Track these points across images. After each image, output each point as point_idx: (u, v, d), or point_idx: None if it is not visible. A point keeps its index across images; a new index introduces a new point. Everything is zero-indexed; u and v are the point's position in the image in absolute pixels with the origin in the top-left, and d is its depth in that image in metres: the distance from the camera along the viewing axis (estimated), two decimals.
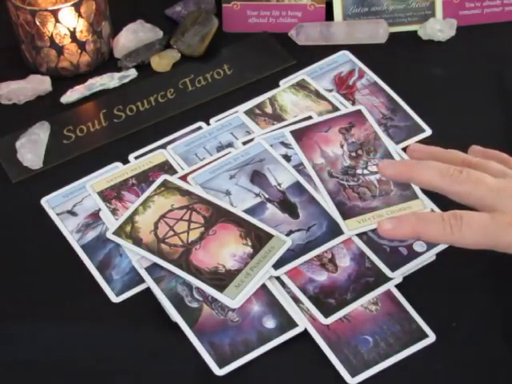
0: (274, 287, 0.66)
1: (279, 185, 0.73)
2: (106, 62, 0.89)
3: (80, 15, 0.84)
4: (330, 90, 0.83)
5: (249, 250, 0.68)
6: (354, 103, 0.82)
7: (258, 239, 0.69)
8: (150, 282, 0.67)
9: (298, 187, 0.73)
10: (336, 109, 0.80)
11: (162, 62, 0.88)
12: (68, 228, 0.73)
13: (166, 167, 0.77)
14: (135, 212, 0.72)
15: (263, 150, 0.76)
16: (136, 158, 0.79)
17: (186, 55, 0.89)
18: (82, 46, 0.86)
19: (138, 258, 0.69)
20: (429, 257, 0.68)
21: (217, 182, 0.74)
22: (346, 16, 0.90)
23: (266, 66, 0.87)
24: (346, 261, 0.68)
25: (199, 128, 0.81)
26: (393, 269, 0.67)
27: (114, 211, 0.73)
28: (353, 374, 0.61)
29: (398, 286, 0.66)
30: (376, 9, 0.90)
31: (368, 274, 0.67)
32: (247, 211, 0.71)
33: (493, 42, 0.89)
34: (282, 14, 0.91)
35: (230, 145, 0.78)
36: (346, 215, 0.70)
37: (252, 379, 0.62)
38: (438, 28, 0.88)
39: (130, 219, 0.71)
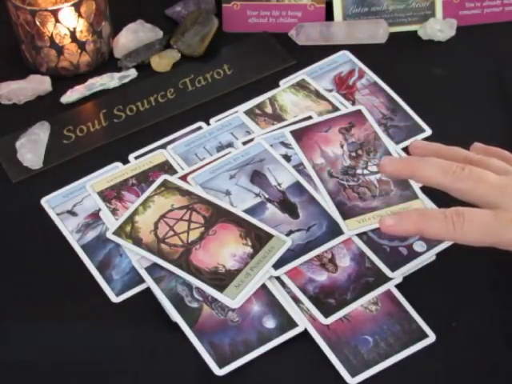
0: (274, 287, 0.66)
1: (279, 185, 0.73)
2: (106, 62, 0.89)
3: (80, 15, 0.84)
4: (330, 90, 0.83)
5: (249, 250, 0.68)
6: (354, 103, 0.82)
7: (258, 239, 0.69)
8: (150, 282, 0.67)
9: (298, 187, 0.73)
10: (336, 109, 0.80)
11: (161, 62, 0.88)
12: (68, 228, 0.73)
13: (166, 167, 0.77)
14: (135, 212, 0.72)
15: (263, 149, 0.76)
16: (136, 157, 0.79)
17: (186, 55, 0.89)
18: (82, 46, 0.86)
19: (137, 258, 0.69)
20: (429, 257, 0.68)
21: (217, 182, 0.74)
22: (346, 16, 0.90)
23: (266, 66, 0.87)
24: (345, 261, 0.68)
25: (199, 128, 0.81)
26: (393, 269, 0.67)
27: (114, 211, 0.73)
28: (353, 374, 0.61)
29: (398, 286, 0.66)
30: (376, 9, 0.90)
31: (368, 274, 0.67)
32: (247, 211, 0.71)
33: (493, 41, 0.89)
34: (282, 14, 0.91)
35: (230, 145, 0.78)
36: (346, 215, 0.70)
37: (252, 379, 0.62)
38: (438, 28, 0.88)
39: (130, 219, 0.71)
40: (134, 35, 0.89)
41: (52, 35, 0.84)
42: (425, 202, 0.71)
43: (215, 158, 0.76)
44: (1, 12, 0.88)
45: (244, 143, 0.77)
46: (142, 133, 0.82)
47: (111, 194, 0.75)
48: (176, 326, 0.65)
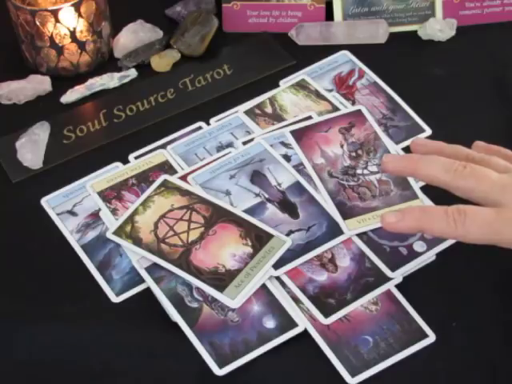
0: (274, 287, 0.66)
1: (279, 185, 0.73)
2: (106, 62, 0.89)
3: (80, 15, 0.84)
4: (330, 90, 0.83)
5: (249, 249, 0.68)
6: (354, 103, 0.82)
7: (258, 239, 0.69)
8: (150, 282, 0.67)
9: (297, 187, 0.73)
10: (336, 109, 0.80)
11: (161, 62, 0.88)
12: (68, 228, 0.73)
13: (166, 167, 0.77)
14: (135, 212, 0.72)
15: (263, 150, 0.76)
16: (136, 157, 0.79)
17: (186, 55, 0.89)
18: (82, 46, 0.86)
19: (138, 258, 0.69)
20: (429, 257, 0.68)
21: (217, 182, 0.74)
22: (346, 16, 0.90)
23: (265, 66, 0.87)
24: (345, 261, 0.68)
25: (199, 128, 0.81)
26: (393, 269, 0.67)
27: (114, 211, 0.73)
28: (353, 374, 0.61)
29: (398, 286, 0.66)
30: (376, 9, 0.90)
31: (368, 274, 0.67)
32: (247, 211, 0.71)
33: (493, 41, 0.89)
34: (282, 14, 0.91)
35: (230, 145, 0.78)
36: (345, 215, 0.70)
37: (252, 379, 0.62)
38: (438, 28, 0.88)
39: (130, 219, 0.71)
40: (134, 35, 0.89)
41: (52, 35, 0.84)
42: (424, 201, 0.71)
43: (215, 158, 0.76)
44: (1, 12, 0.88)
45: (244, 143, 0.77)
46: (142, 133, 0.82)
47: (111, 194, 0.75)
48: (176, 325, 0.65)
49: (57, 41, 0.85)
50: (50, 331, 0.66)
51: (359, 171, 0.74)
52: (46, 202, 0.75)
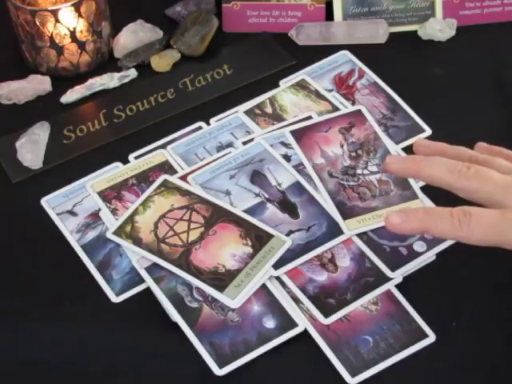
0: (274, 287, 0.66)
1: (279, 185, 0.73)
2: (106, 62, 0.89)
3: (80, 15, 0.84)
4: (330, 90, 0.83)
5: (249, 249, 0.68)
6: (354, 103, 0.82)
7: (258, 239, 0.69)
8: (150, 282, 0.67)
9: (298, 187, 0.73)
10: (336, 109, 0.80)
11: (161, 62, 0.88)
12: (68, 228, 0.73)
13: (166, 167, 0.77)
14: (135, 212, 0.72)
15: (263, 150, 0.76)
16: (136, 157, 0.79)
17: (186, 55, 0.89)
18: (82, 46, 0.86)
19: (138, 258, 0.69)
20: (429, 257, 0.68)
21: (217, 182, 0.74)
22: (346, 16, 0.90)
23: (266, 66, 0.87)
24: (345, 261, 0.68)
25: (199, 128, 0.81)
26: (393, 269, 0.67)
27: (114, 211, 0.73)
28: (353, 374, 0.61)
29: (398, 286, 0.66)
30: (376, 9, 0.90)
31: (368, 274, 0.67)
32: (247, 211, 0.71)
33: (493, 41, 0.89)
34: (282, 14, 0.91)
35: (230, 145, 0.78)
36: (346, 215, 0.70)
37: (252, 379, 0.62)
38: (438, 28, 0.88)
39: (130, 219, 0.71)
40: (134, 35, 0.89)
41: (52, 35, 0.84)
42: (424, 201, 0.71)
43: (215, 158, 0.76)
44: (1, 12, 0.88)
45: (244, 143, 0.77)
46: (142, 133, 0.82)
47: (111, 194, 0.75)
48: (176, 325, 0.65)
49: (57, 41, 0.85)
50: (50, 331, 0.66)
51: (359, 171, 0.74)
52: (46, 201, 0.75)
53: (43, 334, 0.66)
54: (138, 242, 0.69)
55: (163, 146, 0.79)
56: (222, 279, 0.66)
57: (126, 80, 0.87)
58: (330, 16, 0.90)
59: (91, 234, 0.72)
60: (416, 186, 0.72)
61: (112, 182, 0.76)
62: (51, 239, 0.73)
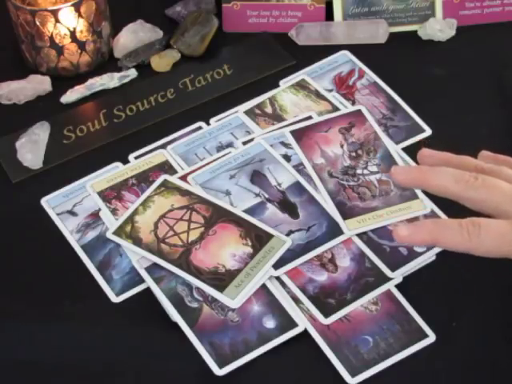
0: (274, 287, 0.66)
1: (279, 185, 0.73)
2: (106, 62, 0.89)
3: (80, 15, 0.84)
4: (330, 90, 0.83)
5: (249, 249, 0.68)
6: (354, 103, 0.82)
7: (258, 239, 0.69)
8: (150, 282, 0.67)
9: (298, 187, 0.73)
10: (336, 109, 0.80)
11: (161, 62, 0.88)
12: (68, 228, 0.73)
13: (166, 167, 0.77)
14: (135, 212, 0.72)
15: (263, 150, 0.76)
16: (136, 157, 0.79)
17: (186, 55, 0.89)
18: (82, 46, 0.86)
19: (138, 258, 0.69)
20: (429, 257, 0.68)
21: (217, 182, 0.74)
22: (346, 16, 0.90)
23: (266, 66, 0.87)
24: (346, 261, 0.68)
25: (199, 128, 0.81)
26: (393, 269, 0.67)
27: (114, 211, 0.73)
28: (353, 374, 0.61)
29: (398, 286, 0.66)
30: (376, 9, 0.90)
31: (368, 274, 0.67)
32: (247, 211, 0.71)
33: (493, 41, 0.89)
34: (282, 14, 0.91)
35: (230, 145, 0.78)
36: (346, 215, 0.70)
37: (252, 379, 0.62)
38: (438, 28, 0.88)
39: (130, 219, 0.71)
40: (134, 35, 0.89)
41: (52, 35, 0.84)
42: (424, 201, 0.71)
43: (215, 158, 0.76)
44: (1, 12, 0.88)
45: (244, 143, 0.77)
46: (142, 133, 0.82)
47: (111, 194, 0.75)
48: (176, 325, 0.65)
49: (57, 41, 0.85)
50: (50, 331, 0.66)
51: (359, 171, 0.74)
52: (46, 202, 0.75)
53: (43, 334, 0.66)
54: (138, 241, 0.69)
55: (163, 146, 0.79)
56: (222, 279, 0.66)
57: (126, 80, 0.87)
58: (330, 16, 0.90)
59: (91, 234, 0.72)
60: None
61: (112, 181, 0.76)
62: (51, 239, 0.73)
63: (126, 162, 0.78)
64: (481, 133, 0.79)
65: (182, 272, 0.67)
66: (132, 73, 0.87)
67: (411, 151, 0.76)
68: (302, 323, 0.64)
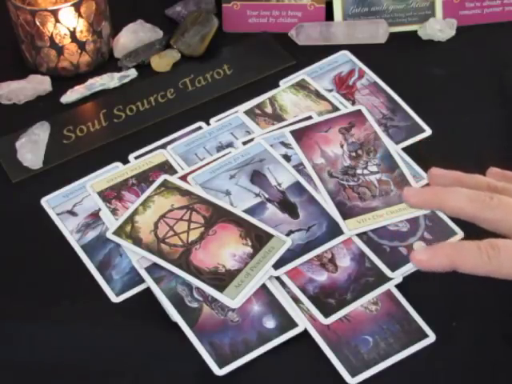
0: (274, 287, 0.66)
1: (279, 185, 0.73)
2: (106, 62, 0.89)
3: (80, 15, 0.84)
4: (330, 90, 0.83)
5: (249, 249, 0.68)
6: (354, 103, 0.82)
7: (258, 239, 0.69)
8: (150, 282, 0.67)
9: (298, 187, 0.73)
10: (336, 109, 0.80)
11: (161, 62, 0.88)
12: (68, 228, 0.73)
13: (166, 167, 0.77)
14: (135, 212, 0.72)
15: (263, 150, 0.76)
16: (136, 157, 0.79)
17: (186, 55, 0.89)
18: (82, 46, 0.86)
19: (138, 258, 0.69)
20: None
21: (217, 182, 0.74)
22: (346, 16, 0.90)
23: (266, 66, 0.87)
24: (346, 261, 0.68)
25: (199, 128, 0.81)
26: (393, 269, 0.67)
27: (114, 211, 0.73)
28: (353, 374, 0.61)
29: (398, 286, 0.66)
30: (376, 9, 0.90)
31: (368, 274, 0.67)
32: (247, 211, 0.71)
33: (493, 41, 0.89)
34: (282, 14, 0.91)
35: (230, 145, 0.78)
36: (346, 215, 0.70)
37: (252, 379, 0.62)
38: (438, 28, 0.88)
39: (130, 219, 0.71)
40: (134, 35, 0.89)
41: (52, 35, 0.84)
42: None
43: (215, 158, 0.76)
44: (1, 12, 0.88)
45: (244, 143, 0.77)
46: (142, 133, 0.82)
47: (111, 194, 0.75)
48: (176, 325, 0.65)
49: (57, 41, 0.85)
50: (50, 331, 0.66)
51: (359, 171, 0.74)
52: (46, 202, 0.75)
53: (43, 334, 0.66)
54: (138, 241, 0.69)
55: (163, 146, 0.79)
56: (222, 279, 0.66)
57: (126, 80, 0.87)
58: (330, 16, 0.90)
59: (91, 234, 0.72)
60: (416, 185, 0.72)
61: (112, 181, 0.76)
62: (51, 239, 0.73)
63: (126, 162, 0.78)
64: (481, 133, 0.79)
65: (182, 272, 0.67)
66: (132, 73, 0.87)
67: (411, 151, 0.76)
68: (302, 323, 0.64)
